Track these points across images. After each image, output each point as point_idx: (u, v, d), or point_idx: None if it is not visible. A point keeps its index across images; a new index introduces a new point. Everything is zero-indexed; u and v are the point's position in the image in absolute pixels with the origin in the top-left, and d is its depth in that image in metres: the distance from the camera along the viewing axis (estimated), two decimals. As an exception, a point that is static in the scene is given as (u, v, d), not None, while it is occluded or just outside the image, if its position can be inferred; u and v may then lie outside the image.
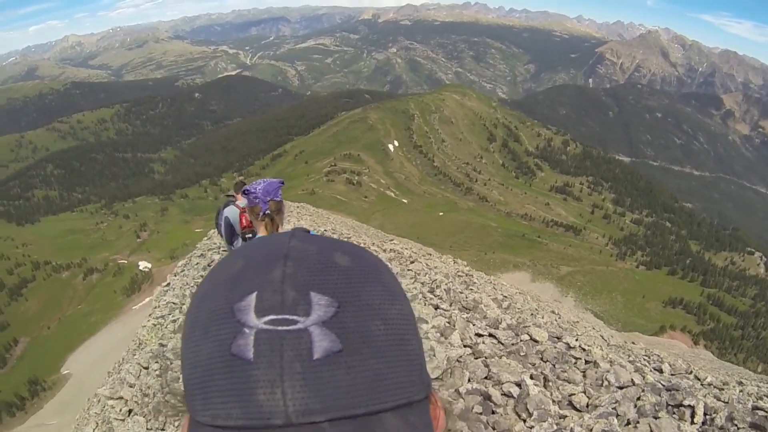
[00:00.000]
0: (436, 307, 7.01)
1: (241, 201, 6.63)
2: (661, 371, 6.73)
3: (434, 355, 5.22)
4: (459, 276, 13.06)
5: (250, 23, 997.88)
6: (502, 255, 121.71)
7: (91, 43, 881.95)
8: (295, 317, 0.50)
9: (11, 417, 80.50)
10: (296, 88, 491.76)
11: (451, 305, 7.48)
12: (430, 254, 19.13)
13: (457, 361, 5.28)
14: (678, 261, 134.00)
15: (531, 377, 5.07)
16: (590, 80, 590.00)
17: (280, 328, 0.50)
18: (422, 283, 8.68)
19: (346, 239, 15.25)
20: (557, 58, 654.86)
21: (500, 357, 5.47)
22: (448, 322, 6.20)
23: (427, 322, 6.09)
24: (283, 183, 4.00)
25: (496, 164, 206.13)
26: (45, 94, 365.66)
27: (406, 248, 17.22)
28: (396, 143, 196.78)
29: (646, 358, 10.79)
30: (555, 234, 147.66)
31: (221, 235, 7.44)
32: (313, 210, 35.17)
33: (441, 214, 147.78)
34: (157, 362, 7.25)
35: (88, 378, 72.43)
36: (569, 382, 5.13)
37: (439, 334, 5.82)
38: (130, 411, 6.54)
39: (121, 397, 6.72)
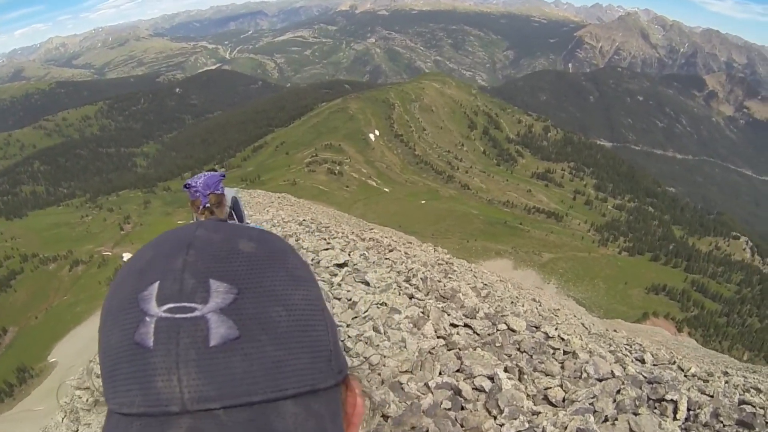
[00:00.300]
0: (411, 297, 6.90)
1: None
2: (643, 361, 6.69)
3: (405, 347, 5.13)
4: (439, 264, 12.97)
5: (228, 18, 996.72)
6: (484, 242, 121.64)
7: (74, 43, 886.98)
8: (192, 305, 0.50)
9: (0, 403, 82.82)
10: (276, 81, 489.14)
11: (427, 295, 7.36)
12: (411, 243, 19.07)
13: (429, 353, 5.17)
14: (661, 247, 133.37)
15: (505, 370, 4.90)
16: (570, 65, 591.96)
17: (177, 315, 0.50)
18: (398, 272, 8.61)
19: (325, 228, 15.32)
20: (536, 43, 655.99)
21: (474, 348, 5.30)
22: (422, 312, 6.12)
23: (400, 312, 6.04)
24: (224, 176, 4.17)
25: (477, 152, 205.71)
26: (31, 94, 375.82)
27: (386, 237, 17.32)
28: (377, 132, 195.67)
29: (628, 347, 10.60)
30: (537, 221, 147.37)
31: None
32: (294, 200, 36.14)
33: (423, 202, 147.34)
34: None
35: (74, 366, 73.49)
36: (546, 375, 5.00)
37: (411, 325, 5.75)
38: (96, 402, 6.58)
39: (87, 388, 6.73)
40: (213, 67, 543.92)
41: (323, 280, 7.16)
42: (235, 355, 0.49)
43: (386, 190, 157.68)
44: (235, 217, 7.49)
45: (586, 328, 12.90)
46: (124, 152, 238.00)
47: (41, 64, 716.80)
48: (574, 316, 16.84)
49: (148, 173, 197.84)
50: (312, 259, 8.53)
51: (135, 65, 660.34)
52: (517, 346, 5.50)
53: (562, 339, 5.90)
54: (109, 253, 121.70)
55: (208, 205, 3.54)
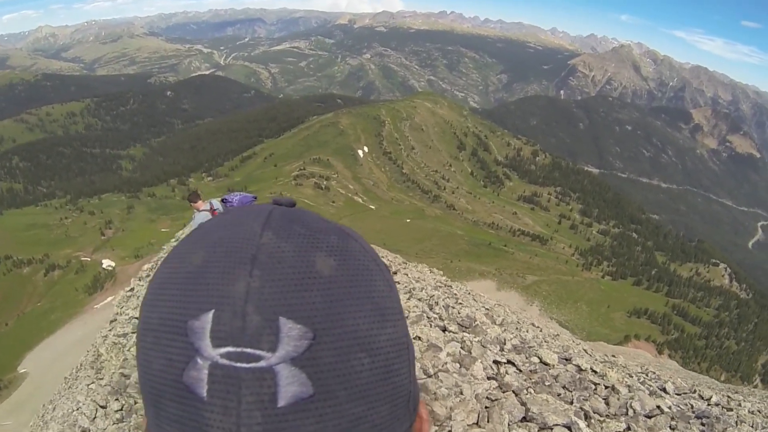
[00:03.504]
0: (444, 330, 6.55)
1: (203, 206, 7.88)
2: (665, 391, 6.50)
3: (461, 392, 4.74)
4: (439, 286, 12.71)
5: (226, 23, 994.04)
6: (468, 263, 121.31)
7: (65, 35, 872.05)
8: (258, 352, 0.42)
9: None
10: (269, 91, 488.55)
11: (451, 323, 7.05)
12: (406, 263, 18.68)
13: (487, 398, 4.80)
14: (644, 272, 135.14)
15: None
16: (562, 92, 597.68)
17: (238, 365, 0.42)
18: (420, 299, 8.19)
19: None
20: (530, 69, 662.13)
21: (527, 390, 4.99)
22: (463, 348, 5.78)
23: (441, 349, 5.62)
24: (255, 198, 4.62)
25: (465, 173, 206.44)
26: (15, 84, 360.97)
27: (382, 256, 15.72)
28: (366, 149, 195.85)
29: (644, 375, 10.12)
30: (521, 243, 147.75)
31: None
32: None
33: (408, 221, 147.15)
34: (117, 400, 6.61)
35: (46, 378, 71.35)
36: (603, 416, 4.74)
37: (458, 365, 5.33)
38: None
39: None
40: (207, 72, 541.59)
41: None
42: (307, 417, 0.42)
43: (372, 207, 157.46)
44: None
45: (590, 354, 12.29)
46: (110, 154, 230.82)
47: (28, 54, 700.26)
48: (573, 341, 16.79)
49: (134, 177, 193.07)
50: None
51: (127, 63, 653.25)
52: (561, 384, 5.24)
53: (595, 372, 5.75)
54: (88, 259, 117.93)
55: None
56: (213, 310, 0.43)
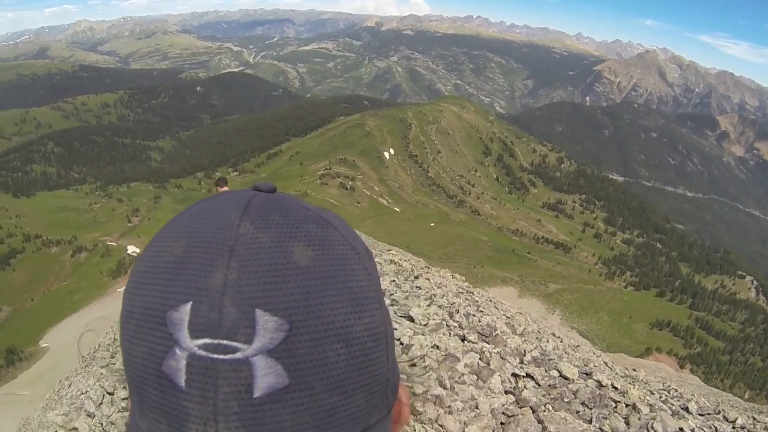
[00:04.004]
0: (463, 339, 6.29)
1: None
2: (688, 410, 6.35)
3: (477, 407, 4.61)
4: (460, 293, 12.45)
5: (256, 23, 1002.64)
6: (491, 269, 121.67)
7: (102, 29, 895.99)
8: (234, 344, 0.43)
9: None
10: (297, 90, 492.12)
11: (470, 332, 6.88)
12: (428, 267, 18.37)
13: (503, 413, 4.67)
14: (667, 283, 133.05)
15: None
16: (587, 98, 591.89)
17: (215, 356, 0.43)
18: (440, 306, 7.86)
19: None
20: (556, 74, 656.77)
21: (545, 406, 4.89)
22: (481, 359, 5.61)
23: (459, 360, 5.42)
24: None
25: (490, 178, 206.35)
26: (53, 74, 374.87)
27: (405, 260, 16.68)
28: (392, 151, 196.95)
29: (666, 392, 10.12)
30: (545, 251, 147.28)
31: None
32: None
33: (432, 224, 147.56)
34: (125, 388, 6.19)
35: (65, 354, 74.71)
36: None
37: (475, 377, 5.16)
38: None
39: (75, 429, 5.88)
40: (236, 70, 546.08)
41: None
42: (283, 408, 0.43)
43: (397, 209, 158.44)
44: None
45: (610, 368, 11.92)
46: (140, 144, 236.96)
47: (67, 46, 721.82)
48: (594, 353, 16.34)
49: (162, 168, 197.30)
50: None
51: (159, 58, 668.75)
52: (581, 400, 5.12)
53: (616, 388, 5.56)
54: (114, 244, 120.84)
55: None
56: (191, 302, 0.44)
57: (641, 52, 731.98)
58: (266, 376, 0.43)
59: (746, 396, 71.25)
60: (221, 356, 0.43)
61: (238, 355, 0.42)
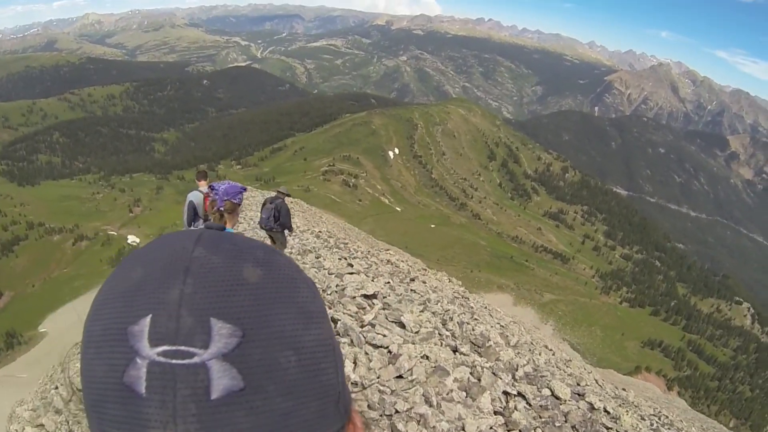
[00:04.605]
0: (455, 350, 6.07)
1: (203, 187, 8.17)
2: None
3: (464, 429, 4.35)
4: (455, 298, 12.39)
5: (264, 18, 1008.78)
6: (488, 275, 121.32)
7: (110, 22, 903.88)
8: (191, 349, 0.45)
9: None
10: (303, 86, 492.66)
11: (463, 342, 6.65)
12: (426, 270, 18.48)
13: None
14: (663, 302, 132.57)
15: None
16: (596, 108, 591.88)
17: (173, 361, 0.45)
18: (433, 313, 7.63)
19: (344, 245, 15.09)
20: (565, 82, 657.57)
21: (535, 430, 4.69)
22: (472, 374, 5.36)
23: (448, 374, 5.15)
24: (245, 189, 4.46)
25: (493, 183, 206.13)
26: (61, 66, 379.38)
27: (402, 261, 16.58)
28: (396, 151, 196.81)
29: (657, 419, 10.14)
30: (543, 260, 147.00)
31: (184, 217, 8.18)
32: (306, 207, 35.59)
33: (433, 226, 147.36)
34: None
35: (63, 339, 74.09)
36: None
37: (464, 394, 4.92)
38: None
39: (41, 425, 5.78)
40: (243, 64, 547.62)
41: (351, 315, 6.43)
42: (239, 410, 0.45)
43: (398, 209, 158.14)
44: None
45: (600, 386, 11.90)
46: (144, 136, 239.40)
47: (75, 38, 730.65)
48: (585, 369, 15.81)
49: (165, 160, 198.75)
50: (336, 285, 7.82)
51: (166, 51, 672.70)
52: (568, 421, 4.98)
53: (607, 412, 5.52)
54: (115, 233, 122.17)
55: (221, 209, 3.82)
56: (150, 315, 0.46)
57: (654, 64, 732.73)
58: (222, 378, 0.44)
59: (731, 424, 70.92)
60: (179, 361, 0.45)
61: (195, 359, 0.44)
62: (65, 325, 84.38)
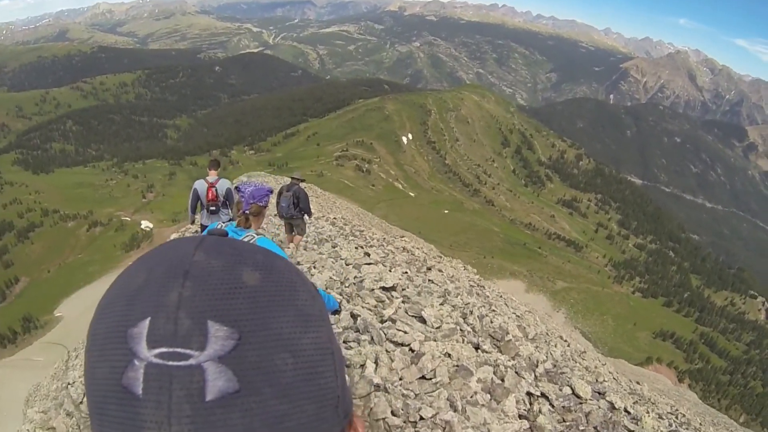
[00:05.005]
0: (477, 347, 5.83)
1: (213, 176, 8.46)
2: None
3: None
4: (471, 286, 12.10)
5: (276, 4, 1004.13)
6: (501, 261, 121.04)
7: (121, 11, 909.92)
8: (187, 351, 0.46)
9: (2, 348, 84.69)
10: (316, 71, 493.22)
11: (484, 337, 6.41)
12: (441, 257, 18.25)
13: None
14: (676, 293, 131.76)
15: None
16: (611, 96, 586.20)
17: (170, 363, 0.46)
18: (453, 307, 7.37)
19: (359, 233, 15.08)
20: (580, 69, 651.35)
21: None
22: (495, 373, 5.16)
23: (472, 374, 4.90)
24: (271, 191, 4.43)
25: (507, 170, 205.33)
26: (73, 55, 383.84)
27: (417, 247, 16.31)
28: (410, 136, 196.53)
29: (674, 417, 9.88)
30: (556, 247, 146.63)
31: (188, 204, 8.67)
32: (320, 192, 35.60)
33: (446, 212, 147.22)
34: None
35: (77, 324, 75.53)
36: None
37: (488, 396, 4.72)
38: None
39: (53, 429, 5.57)
40: (255, 50, 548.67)
41: (370, 309, 6.20)
42: (233, 411, 0.45)
43: (411, 194, 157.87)
44: (228, 205, 8.51)
45: (615, 379, 11.89)
46: (157, 122, 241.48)
47: (86, 28, 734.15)
48: (599, 361, 16.05)
49: (178, 146, 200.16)
50: (354, 277, 7.61)
51: (178, 39, 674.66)
52: (590, 422, 4.84)
53: (628, 412, 5.39)
54: (129, 219, 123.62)
55: (248, 211, 3.77)
56: (150, 318, 0.47)
57: (672, 52, 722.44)
58: (217, 380, 0.45)
59: (741, 420, 70.17)
60: (176, 363, 0.45)
61: (191, 361, 0.45)
62: (80, 310, 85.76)
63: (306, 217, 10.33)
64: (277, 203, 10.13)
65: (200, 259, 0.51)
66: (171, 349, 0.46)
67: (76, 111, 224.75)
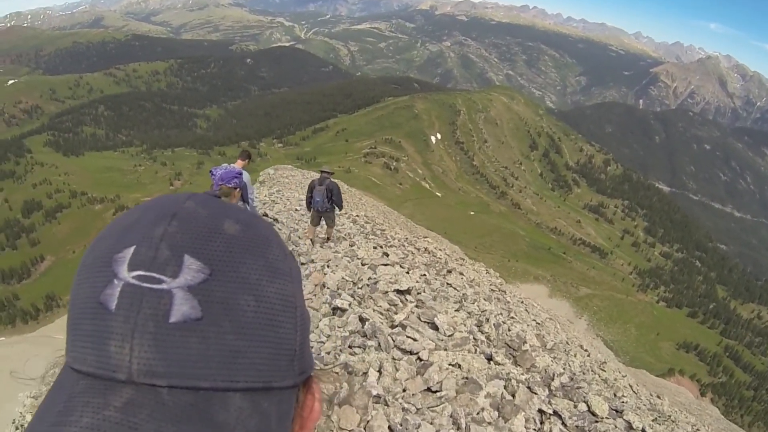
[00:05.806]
0: (489, 359, 5.63)
1: (240, 166, 7.96)
2: None
3: None
4: (492, 290, 12.31)
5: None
6: (525, 265, 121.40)
7: (155, 1, 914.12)
8: (161, 276, 0.50)
9: (24, 324, 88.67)
10: (346, 68, 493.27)
11: (498, 347, 6.27)
12: (463, 259, 18.42)
13: None
14: (701, 304, 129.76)
15: None
16: (641, 101, 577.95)
17: (144, 284, 0.50)
18: (469, 313, 7.22)
19: (380, 232, 15.00)
20: (610, 73, 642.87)
21: None
22: (506, 388, 4.98)
23: (481, 387, 4.76)
24: (241, 174, 4.68)
25: (534, 173, 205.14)
26: (107, 42, 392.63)
27: (440, 249, 16.52)
28: (438, 136, 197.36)
29: None
30: (581, 253, 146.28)
31: None
32: (346, 188, 35.44)
33: (472, 213, 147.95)
34: None
35: None
36: None
37: (496, 413, 4.52)
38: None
39: None
40: (287, 44, 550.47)
41: (381, 313, 6.14)
42: (192, 336, 0.49)
43: (438, 194, 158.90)
44: (244, 198, 8.14)
45: (635, 393, 11.54)
46: (187, 111, 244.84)
47: (121, 16, 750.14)
48: (619, 372, 15.04)
49: (207, 135, 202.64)
50: (369, 278, 7.57)
51: (210, 30, 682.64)
52: None
53: None
54: None
55: (217, 193, 4.85)
56: (134, 246, 0.52)
57: (702, 57, 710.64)
58: (182, 305, 0.49)
59: (764, 438, 69.26)
60: (149, 285, 0.49)
61: (163, 285, 0.49)
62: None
63: (337, 209, 10.53)
64: (310, 197, 10.25)
65: (189, 206, 0.56)
66: (148, 273, 0.50)
67: (109, 96, 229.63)
